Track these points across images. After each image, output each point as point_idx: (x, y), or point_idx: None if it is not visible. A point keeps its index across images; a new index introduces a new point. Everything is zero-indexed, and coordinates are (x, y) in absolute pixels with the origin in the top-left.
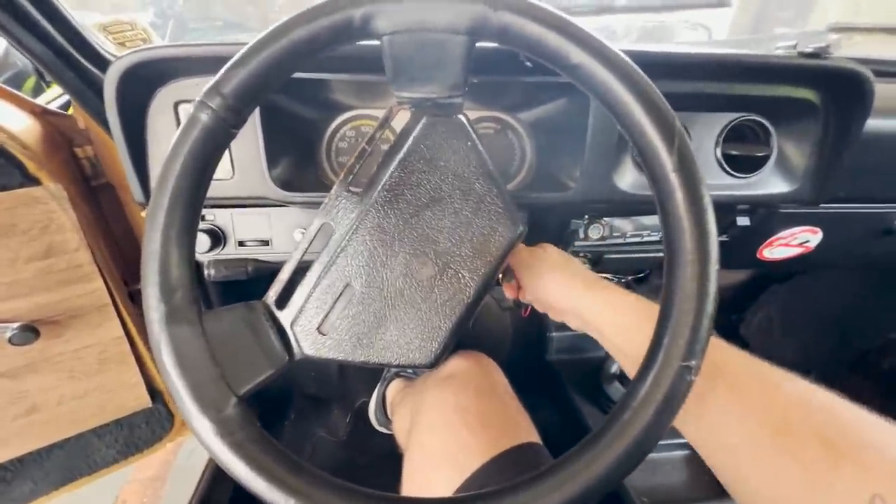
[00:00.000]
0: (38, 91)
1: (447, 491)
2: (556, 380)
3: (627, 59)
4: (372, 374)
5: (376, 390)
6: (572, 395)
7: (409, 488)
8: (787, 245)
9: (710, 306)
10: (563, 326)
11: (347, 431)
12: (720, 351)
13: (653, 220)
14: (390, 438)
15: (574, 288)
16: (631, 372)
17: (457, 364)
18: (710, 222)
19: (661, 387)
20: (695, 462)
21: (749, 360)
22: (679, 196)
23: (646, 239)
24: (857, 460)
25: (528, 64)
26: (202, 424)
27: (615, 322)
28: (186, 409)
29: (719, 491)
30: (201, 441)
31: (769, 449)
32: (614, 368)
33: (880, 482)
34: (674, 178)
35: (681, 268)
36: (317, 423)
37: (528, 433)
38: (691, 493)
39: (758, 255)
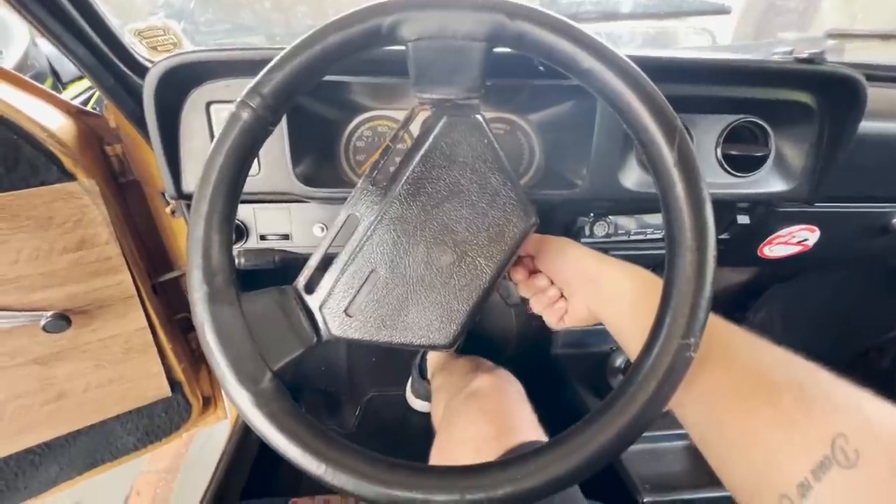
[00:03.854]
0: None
1: None
2: (561, 374)
3: (633, 64)
4: (380, 369)
5: (415, 365)
6: (577, 389)
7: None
8: (786, 243)
9: (708, 289)
10: None
11: (356, 424)
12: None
13: (656, 218)
14: (399, 431)
15: (590, 254)
16: (634, 340)
17: (482, 381)
18: (707, 212)
19: (663, 362)
20: (696, 451)
21: (741, 331)
22: (679, 188)
23: (649, 236)
24: (826, 404)
25: (541, 68)
26: (241, 395)
27: (632, 288)
28: (227, 382)
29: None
30: (240, 410)
31: (748, 393)
32: (618, 362)
33: (846, 422)
34: (675, 172)
35: (681, 255)
36: (326, 417)
37: (537, 434)
38: (692, 481)
39: (758, 253)
